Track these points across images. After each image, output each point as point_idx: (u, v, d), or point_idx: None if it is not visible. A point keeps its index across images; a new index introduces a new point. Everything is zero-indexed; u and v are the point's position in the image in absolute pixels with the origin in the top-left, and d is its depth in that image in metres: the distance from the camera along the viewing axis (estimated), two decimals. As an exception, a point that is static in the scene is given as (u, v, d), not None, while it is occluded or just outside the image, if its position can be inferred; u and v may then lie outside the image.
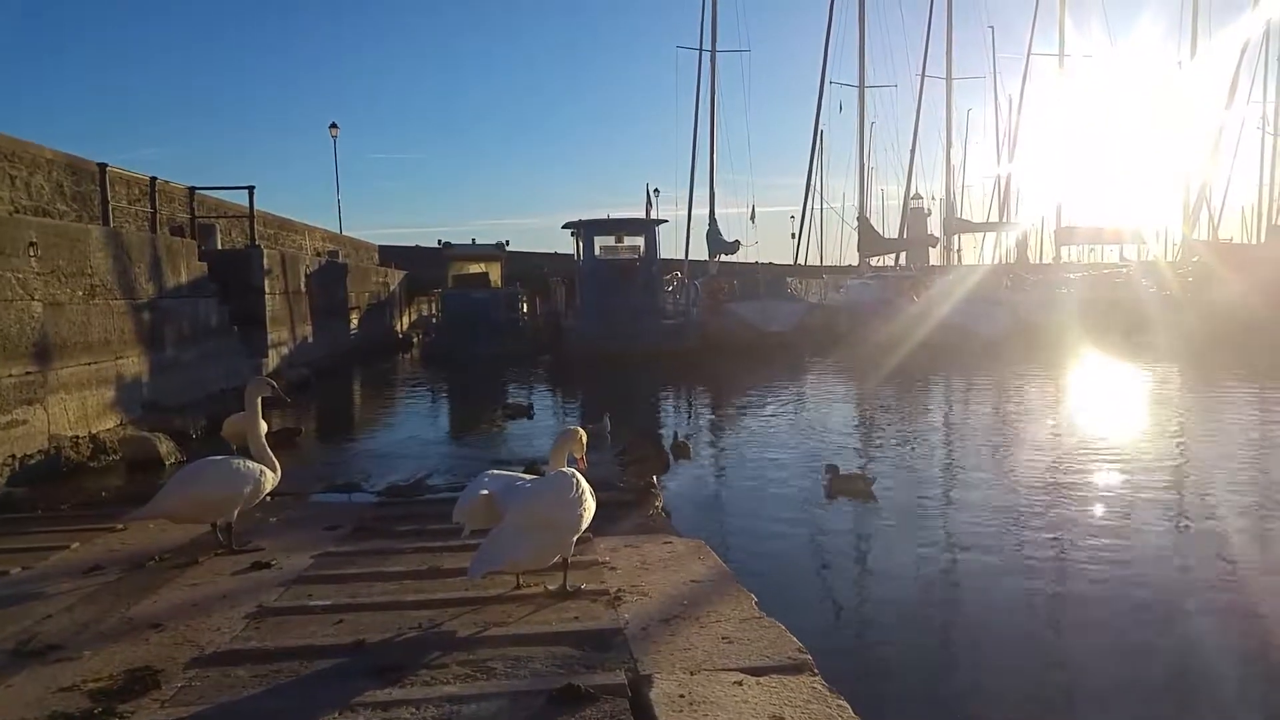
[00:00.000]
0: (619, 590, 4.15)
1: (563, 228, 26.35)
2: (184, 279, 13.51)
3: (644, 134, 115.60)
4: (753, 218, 36.80)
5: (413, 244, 38.24)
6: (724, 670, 3.13)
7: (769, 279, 29.95)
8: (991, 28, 42.98)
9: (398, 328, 32.31)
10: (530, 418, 13.43)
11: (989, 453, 10.90)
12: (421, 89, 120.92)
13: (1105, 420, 13.13)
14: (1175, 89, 34.96)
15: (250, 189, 18.77)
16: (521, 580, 4.22)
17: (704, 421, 14.21)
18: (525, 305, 29.45)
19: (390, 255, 36.56)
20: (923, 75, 34.33)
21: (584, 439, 4.62)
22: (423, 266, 32.99)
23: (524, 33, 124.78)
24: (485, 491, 4.14)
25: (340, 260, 25.61)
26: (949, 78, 34.53)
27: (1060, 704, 4.45)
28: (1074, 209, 36.50)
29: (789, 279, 34.47)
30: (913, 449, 11.23)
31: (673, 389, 18.21)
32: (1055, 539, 6.94)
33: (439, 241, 28.26)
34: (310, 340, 19.77)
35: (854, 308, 28.73)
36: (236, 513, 4.94)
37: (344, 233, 32.80)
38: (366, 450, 11.75)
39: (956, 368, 19.93)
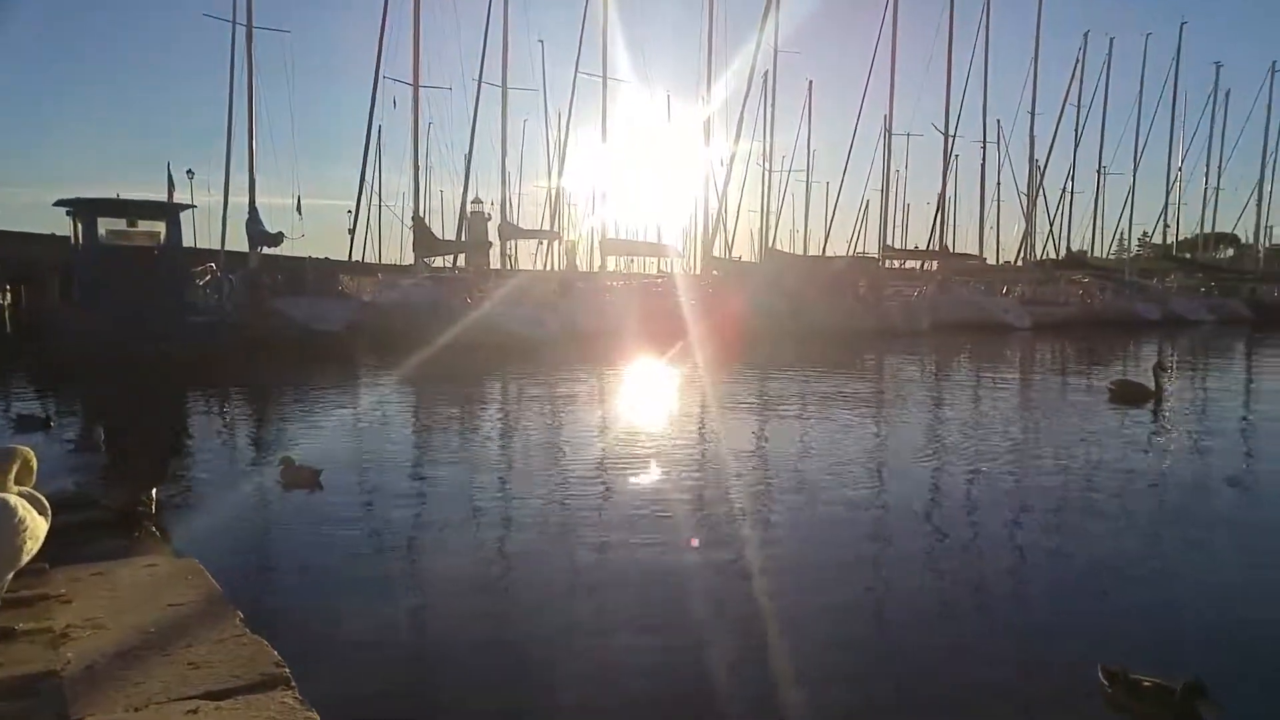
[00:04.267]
0: (68, 627, 3.51)
1: (55, 204, 22.20)
2: None
3: (168, 107, 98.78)
4: (299, 209, 34.50)
5: None
6: (179, 700, 2.79)
7: (318, 275, 28.48)
8: (541, 42, 44.41)
9: None
10: (48, 430, 11.05)
11: (517, 443, 11.71)
12: None
13: (622, 410, 14.87)
14: (695, 122, 40.69)
15: None
16: (-73, 631, 3.35)
17: (229, 429, 12.92)
18: (9, 296, 24.43)
19: None
20: (480, 81, 35.08)
21: (31, 461, 3.82)
22: None
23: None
24: None
25: None
26: (504, 86, 35.69)
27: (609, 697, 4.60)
28: (617, 222, 40.55)
29: (341, 276, 33.11)
30: (454, 442, 11.54)
31: (196, 394, 16.31)
32: (580, 519, 7.56)
33: None
34: None
35: (408, 308, 28.48)
36: None
37: None
38: None
39: (505, 369, 20.82)
